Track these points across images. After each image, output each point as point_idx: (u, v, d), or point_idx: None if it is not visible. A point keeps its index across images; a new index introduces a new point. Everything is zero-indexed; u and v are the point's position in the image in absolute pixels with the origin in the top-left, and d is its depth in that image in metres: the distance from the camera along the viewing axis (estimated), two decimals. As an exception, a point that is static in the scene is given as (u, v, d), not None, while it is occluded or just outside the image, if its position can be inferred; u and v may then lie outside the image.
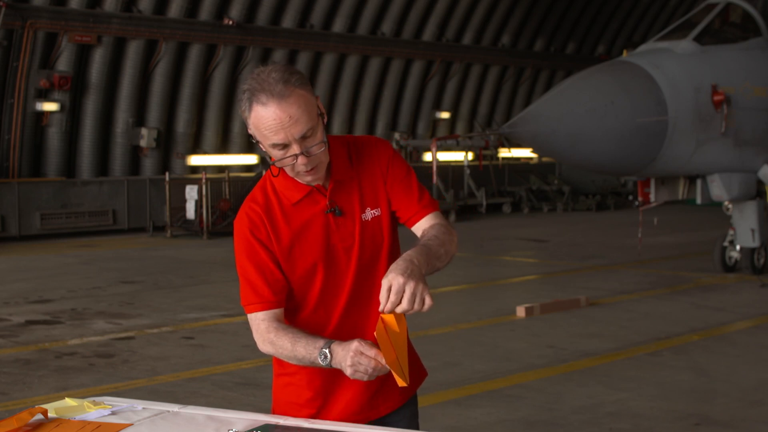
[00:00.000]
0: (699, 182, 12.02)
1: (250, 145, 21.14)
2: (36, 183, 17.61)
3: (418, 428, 2.99)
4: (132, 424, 2.58)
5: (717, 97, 11.19)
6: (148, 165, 19.47)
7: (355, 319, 2.78)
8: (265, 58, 20.83)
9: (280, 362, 2.85)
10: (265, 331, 2.71)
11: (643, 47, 12.08)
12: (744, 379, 7.22)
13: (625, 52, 12.65)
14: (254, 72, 2.61)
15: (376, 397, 2.85)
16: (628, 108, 10.58)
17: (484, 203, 22.71)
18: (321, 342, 2.59)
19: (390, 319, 2.49)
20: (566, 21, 27.19)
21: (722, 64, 11.56)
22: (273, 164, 2.66)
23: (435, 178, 16.40)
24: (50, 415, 2.64)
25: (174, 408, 2.73)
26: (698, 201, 12.16)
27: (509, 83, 26.35)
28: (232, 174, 19.06)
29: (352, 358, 2.49)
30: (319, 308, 2.78)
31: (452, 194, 21.80)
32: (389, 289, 2.45)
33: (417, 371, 2.97)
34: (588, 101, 10.47)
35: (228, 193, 18.33)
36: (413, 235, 2.83)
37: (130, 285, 11.95)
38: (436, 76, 24.49)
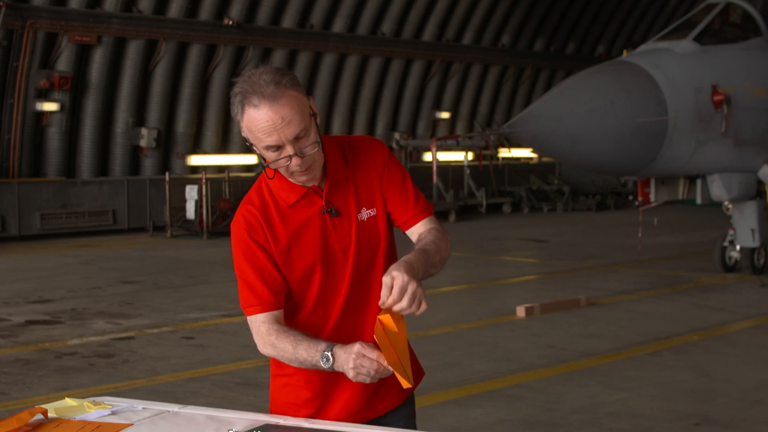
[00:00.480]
0: (699, 182, 12.02)
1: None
2: (36, 183, 17.61)
3: (415, 428, 3.00)
4: (132, 424, 2.58)
5: (717, 97, 11.19)
6: (148, 165, 19.47)
7: (353, 319, 2.79)
8: (265, 58, 20.82)
9: (277, 363, 2.85)
10: (265, 333, 2.71)
11: (643, 47, 12.08)
12: (744, 379, 7.22)
13: (625, 52, 12.65)
14: (245, 75, 2.62)
15: (374, 397, 2.86)
16: (628, 108, 10.58)
17: (484, 203, 22.71)
18: (323, 345, 2.59)
19: (388, 320, 2.49)
20: (566, 21, 27.18)
21: (722, 64, 11.56)
22: (267, 166, 2.66)
23: (435, 178, 16.49)
24: (50, 415, 2.64)
25: (174, 408, 2.73)
26: (698, 201, 12.16)
27: (509, 83, 26.35)
28: (232, 174, 19.06)
29: (354, 360, 2.49)
30: (317, 308, 2.78)
31: (452, 194, 21.80)
32: (391, 286, 2.45)
33: (414, 371, 2.97)
34: (588, 101, 10.47)
35: (228, 193, 18.34)
36: (407, 237, 2.84)
37: (130, 285, 11.95)
38: (436, 76, 24.49)
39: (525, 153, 25.55)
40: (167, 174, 18.20)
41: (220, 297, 10.83)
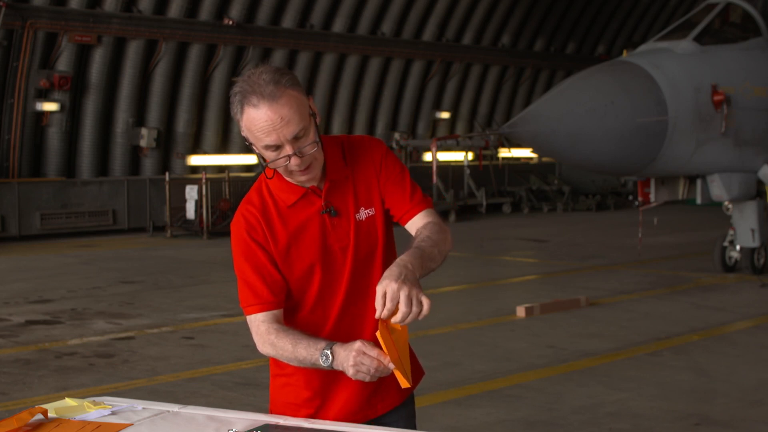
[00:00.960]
0: (699, 182, 12.02)
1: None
2: (36, 183, 17.61)
3: (415, 428, 3.00)
4: (132, 424, 2.58)
5: (717, 97, 11.19)
6: (148, 165, 19.47)
7: (352, 318, 2.79)
8: (265, 58, 20.82)
9: (277, 363, 2.85)
10: (265, 332, 2.71)
11: (643, 47, 12.08)
12: (744, 379, 7.22)
13: (625, 52, 12.66)
14: (245, 74, 2.62)
15: (374, 396, 2.86)
16: (628, 108, 10.58)
17: (484, 203, 22.71)
18: (322, 343, 2.60)
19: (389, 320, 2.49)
20: (566, 21, 27.18)
21: (722, 64, 11.56)
22: (267, 166, 2.66)
23: (435, 178, 16.48)
24: (50, 415, 2.64)
25: (174, 408, 2.73)
26: (698, 201, 12.16)
27: (509, 83, 26.35)
28: (232, 174, 19.06)
29: (354, 358, 2.49)
30: (316, 308, 2.78)
31: (452, 194, 21.80)
32: (384, 296, 2.45)
33: (414, 370, 2.97)
34: (588, 101, 10.47)
35: (228, 193, 18.34)
36: (408, 234, 2.83)
37: (130, 285, 11.95)
38: (436, 76, 24.49)
39: (525, 153, 25.55)
40: (167, 174, 18.20)
41: (220, 297, 10.83)
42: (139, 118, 19.34)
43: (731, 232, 12.36)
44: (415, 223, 2.80)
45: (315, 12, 21.46)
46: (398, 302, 2.43)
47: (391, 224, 2.88)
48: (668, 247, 15.55)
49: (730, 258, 12.46)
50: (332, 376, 2.76)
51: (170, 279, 12.53)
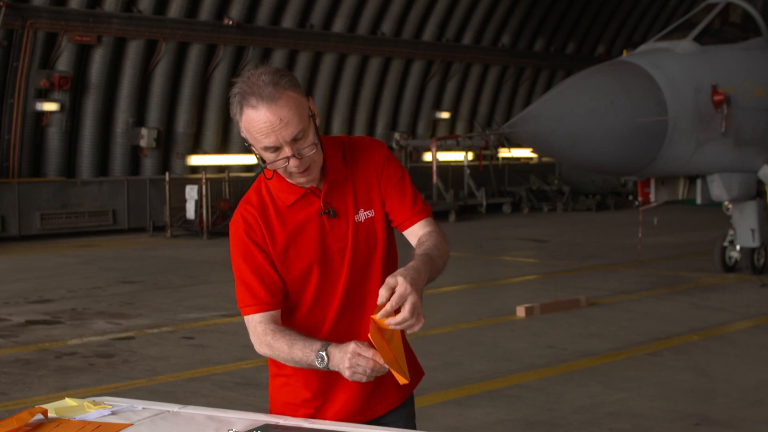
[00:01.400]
0: (699, 182, 12.02)
1: (250, 145, 21.12)
2: (36, 183, 17.61)
3: (415, 428, 3.00)
4: (132, 424, 2.58)
5: (717, 97, 11.19)
6: (148, 165, 19.47)
7: (350, 319, 2.79)
8: (265, 58, 20.81)
9: (276, 363, 2.86)
10: (261, 333, 2.71)
11: (643, 47, 12.08)
12: (744, 379, 7.22)
13: (625, 52, 12.66)
14: (244, 75, 2.61)
15: (373, 397, 2.86)
16: (628, 108, 10.58)
17: (484, 203, 22.71)
18: (318, 345, 2.60)
19: (381, 319, 2.49)
20: (566, 21, 27.18)
21: (722, 64, 11.56)
22: (266, 167, 2.66)
23: (435, 178, 16.49)
24: (50, 415, 2.64)
25: (174, 408, 2.73)
26: (698, 201, 12.16)
27: (509, 83, 26.35)
28: (232, 174, 19.06)
29: (350, 359, 2.49)
30: (314, 309, 2.78)
31: (452, 194, 21.80)
32: (390, 289, 2.44)
33: (414, 371, 2.97)
34: (588, 101, 10.47)
35: (228, 193, 18.34)
36: (406, 238, 2.84)
37: (130, 285, 11.95)
38: (436, 76, 24.49)
39: (525, 153, 25.54)
40: (167, 174, 18.20)
41: (220, 297, 10.83)
42: (139, 118, 19.33)
43: (731, 232, 12.36)
44: (415, 232, 2.81)
45: (315, 12, 21.46)
46: (404, 305, 2.44)
47: (392, 227, 2.88)
48: (668, 247, 15.55)
49: (730, 258, 12.46)
50: (331, 377, 2.76)
51: (170, 279, 12.53)
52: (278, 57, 20.93)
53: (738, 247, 12.29)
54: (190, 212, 17.76)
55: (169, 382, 7.13)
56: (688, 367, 7.58)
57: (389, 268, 2.81)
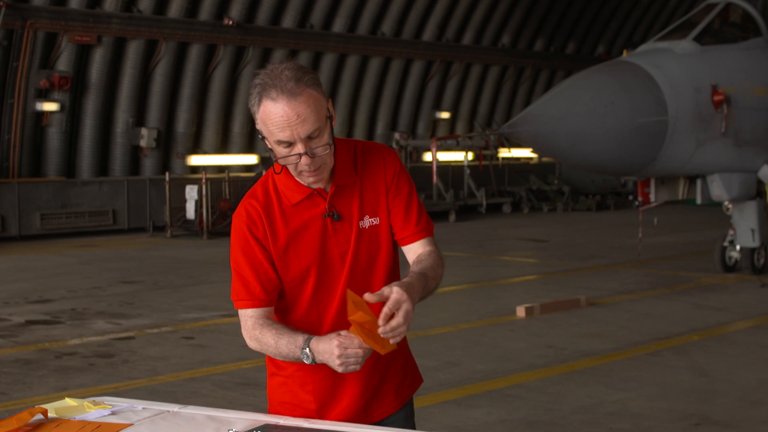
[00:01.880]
0: (699, 182, 12.02)
1: (250, 145, 21.15)
2: (36, 183, 17.60)
3: (414, 427, 3.00)
4: (132, 424, 2.58)
5: (717, 97, 11.19)
6: (148, 165, 19.46)
7: (349, 324, 2.78)
8: (265, 58, 20.81)
9: (274, 362, 2.87)
10: (251, 328, 2.73)
11: (643, 47, 12.08)
12: (744, 379, 7.22)
13: (625, 52, 12.65)
14: (268, 68, 2.62)
15: (370, 405, 2.86)
16: (628, 108, 10.58)
17: (484, 203, 22.71)
18: (301, 340, 2.61)
19: (357, 299, 2.51)
20: (566, 21, 27.18)
21: (722, 64, 11.56)
22: (277, 161, 2.67)
23: (435, 178, 16.45)
24: (50, 415, 2.64)
25: (174, 408, 2.74)
26: (698, 201, 12.16)
27: (509, 83, 26.35)
28: (232, 174, 19.06)
29: (339, 357, 2.50)
30: (311, 310, 2.79)
31: (452, 194, 21.80)
32: (384, 298, 2.48)
33: (413, 378, 2.98)
34: (588, 101, 10.47)
35: (228, 193, 18.34)
36: (404, 253, 2.87)
37: (130, 285, 11.95)
38: (436, 76, 24.49)
39: (525, 153, 25.54)
40: (167, 174, 18.20)
41: (220, 297, 10.83)
42: (139, 118, 19.33)
43: (731, 232, 12.36)
44: (415, 249, 2.82)
45: (315, 12, 21.45)
46: (398, 312, 2.47)
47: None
48: (668, 247, 15.55)
49: (730, 258, 12.46)
50: (329, 379, 2.78)
51: (170, 279, 12.53)
52: (278, 57, 20.92)
53: (738, 247, 12.29)
54: (190, 212, 17.76)
55: (169, 382, 7.13)
56: (688, 367, 7.58)
57: (391, 277, 2.83)
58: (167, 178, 18.00)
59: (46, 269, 13.49)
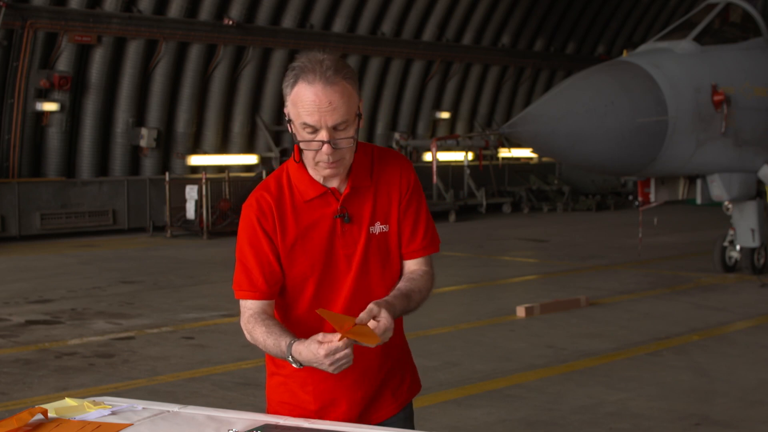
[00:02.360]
0: (699, 182, 12.02)
1: (250, 145, 21.15)
2: (36, 183, 17.60)
3: (414, 427, 3.00)
4: (132, 424, 2.58)
5: (717, 97, 11.19)
6: (148, 165, 19.46)
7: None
8: (265, 58, 20.82)
9: (274, 361, 2.87)
10: (246, 321, 2.75)
11: (643, 47, 12.08)
12: (744, 379, 7.22)
13: (625, 52, 12.65)
14: (309, 54, 2.63)
15: (368, 410, 2.87)
16: (628, 108, 10.57)
17: (484, 203, 22.71)
18: (284, 344, 2.61)
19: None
20: (566, 21, 27.18)
21: (722, 64, 11.56)
22: (298, 143, 2.66)
23: (435, 178, 16.43)
24: (50, 415, 2.64)
25: (174, 408, 2.74)
26: (698, 201, 12.16)
27: (509, 83, 26.35)
28: (232, 174, 19.06)
29: (331, 364, 2.51)
30: (312, 310, 2.78)
31: (452, 194, 21.80)
32: (375, 314, 2.53)
33: (412, 383, 2.97)
34: (588, 101, 10.47)
35: (228, 193, 18.33)
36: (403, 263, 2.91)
37: (130, 285, 11.95)
38: (436, 76, 24.49)
39: (525, 153, 25.54)
40: (167, 174, 18.20)
41: (220, 297, 10.83)
42: (139, 118, 19.33)
43: (731, 232, 12.36)
44: (411, 265, 2.85)
45: (315, 12, 21.46)
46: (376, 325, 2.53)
47: None
48: (668, 247, 15.55)
49: (730, 258, 12.46)
50: (330, 381, 2.78)
51: (170, 279, 12.53)
52: (278, 57, 20.93)
53: (738, 247, 12.29)
54: (190, 212, 17.76)
55: (169, 382, 7.13)
56: (688, 367, 7.58)
57: (397, 279, 2.84)
58: (167, 178, 18.00)
59: (46, 269, 13.48)
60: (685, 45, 11.47)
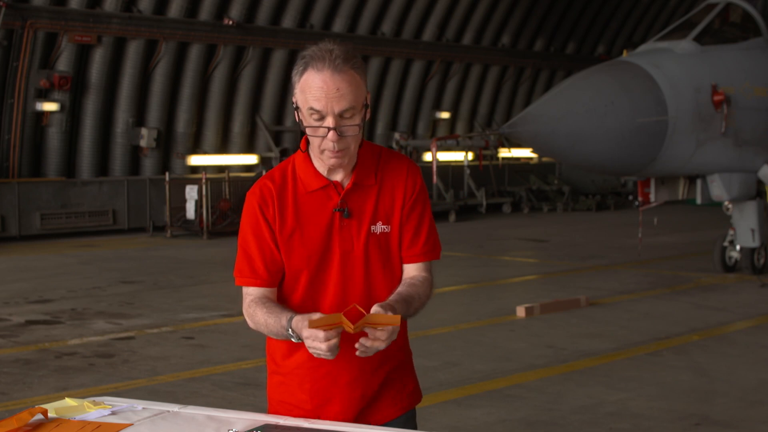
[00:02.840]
0: (699, 182, 12.02)
1: (250, 145, 21.15)
2: (36, 183, 17.60)
3: (415, 427, 3.00)
4: (132, 424, 2.58)
5: (717, 97, 11.19)
6: (148, 165, 19.46)
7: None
8: (265, 58, 20.82)
9: (274, 359, 2.89)
10: (247, 306, 2.78)
11: (643, 47, 12.08)
12: (744, 379, 7.22)
13: (625, 52, 12.65)
14: (320, 44, 2.67)
15: (366, 410, 2.86)
16: (628, 108, 10.58)
17: (484, 203, 22.71)
18: (285, 319, 2.65)
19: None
20: (566, 21, 27.18)
21: (722, 64, 11.56)
22: (305, 128, 2.68)
23: (435, 178, 16.44)
24: (50, 415, 2.64)
25: (174, 408, 2.74)
26: (698, 201, 12.16)
27: (509, 83, 26.35)
28: (232, 174, 19.06)
29: (309, 348, 2.57)
30: (307, 301, 2.80)
31: (452, 194, 21.80)
32: (388, 314, 2.55)
33: (414, 393, 2.97)
34: (588, 101, 10.47)
35: (228, 193, 18.33)
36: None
37: (130, 285, 11.95)
38: (436, 76, 24.49)
39: (525, 153, 25.54)
40: (167, 174, 18.19)
41: (220, 297, 10.83)
42: (139, 118, 19.33)
43: (731, 232, 12.36)
44: (411, 270, 2.85)
45: (315, 12, 21.46)
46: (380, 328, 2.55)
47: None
48: (668, 247, 15.55)
49: (730, 258, 12.46)
50: (327, 379, 2.79)
51: (170, 279, 12.53)
52: (278, 57, 20.93)
53: (738, 247, 12.29)
54: (190, 212, 17.76)
55: (169, 382, 7.13)
56: (688, 367, 7.58)
57: (397, 285, 2.84)
58: (167, 178, 18.00)
59: (46, 269, 13.48)
60: (685, 45, 11.47)
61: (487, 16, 25.04)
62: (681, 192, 12.29)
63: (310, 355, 2.65)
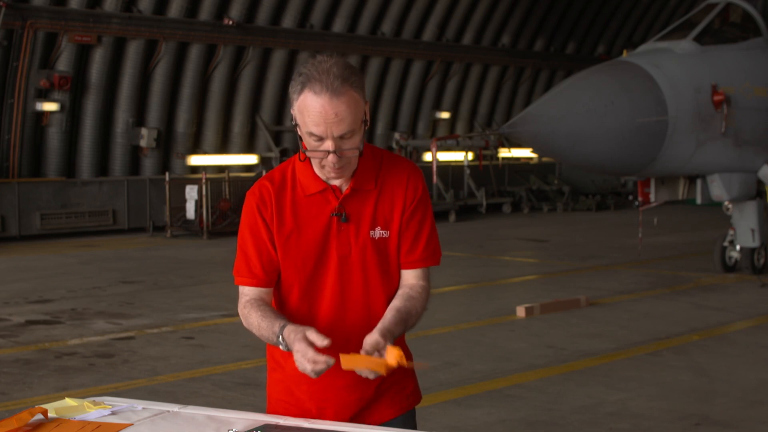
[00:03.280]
0: (699, 182, 12.02)
1: (250, 145, 21.15)
2: (36, 183, 17.60)
3: (415, 427, 3.00)
4: (132, 424, 2.58)
5: (717, 97, 11.19)
6: (148, 165, 19.46)
7: (342, 330, 2.78)
8: (265, 58, 20.82)
9: (274, 357, 2.89)
10: (242, 306, 2.79)
11: (643, 47, 12.08)
12: (744, 379, 7.22)
13: (625, 52, 12.65)
14: (317, 59, 2.64)
15: (363, 413, 2.86)
16: (628, 108, 10.58)
17: (484, 203, 22.70)
18: (277, 326, 2.65)
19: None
20: (566, 21, 27.18)
21: (722, 64, 11.56)
22: (304, 152, 2.69)
23: (435, 178, 16.45)
24: (50, 415, 2.64)
25: (174, 408, 2.74)
26: (698, 201, 12.16)
27: (509, 83, 26.35)
28: (232, 174, 19.06)
29: (295, 362, 2.57)
30: (303, 304, 2.80)
31: (452, 194, 21.80)
32: (379, 348, 2.58)
33: (412, 392, 2.97)
34: (588, 101, 10.47)
35: (228, 193, 18.33)
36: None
37: (130, 285, 11.95)
38: (436, 76, 24.49)
39: (525, 153, 25.54)
40: (167, 174, 18.19)
41: (220, 297, 10.83)
42: (139, 118, 19.33)
43: (731, 232, 12.36)
44: (409, 277, 2.84)
45: (315, 12, 21.46)
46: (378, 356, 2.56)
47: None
48: (668, 247, 15.55)
49: (730, 258, 12.46)
50: (324, 381, 2.78)
51: (170, 279, 12.53)
52: (278, 57, 20.93)
53: (738, 247, 12.29)
54: (190, 212, 17.76)
55: (169, 382, 7.13)
56: (688, 367, 7.58)
57: (395, 290, 2.84)
58: (167, 178, 18.00)
59: (46, 269, 13.48)
60: (685, 45, 11.47)
61: (487, 16, 25.04)
62: (681, 192, 12.29)
63: None
